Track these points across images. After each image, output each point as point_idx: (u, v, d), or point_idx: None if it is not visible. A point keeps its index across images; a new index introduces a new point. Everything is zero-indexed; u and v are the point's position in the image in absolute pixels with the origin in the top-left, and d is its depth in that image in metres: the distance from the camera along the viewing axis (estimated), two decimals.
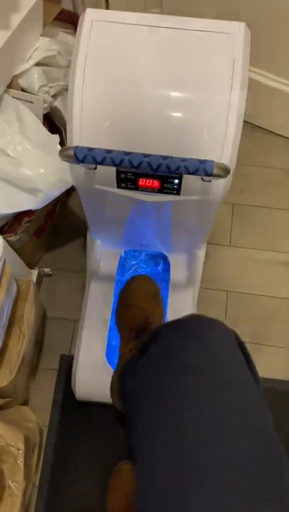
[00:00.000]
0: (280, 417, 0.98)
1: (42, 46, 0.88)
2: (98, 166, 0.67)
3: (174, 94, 0.61)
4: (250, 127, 1.38)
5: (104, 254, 0.98)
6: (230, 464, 0.39)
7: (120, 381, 0.75)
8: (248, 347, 1.11)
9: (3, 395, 0.85)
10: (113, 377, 0.87)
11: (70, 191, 1.27)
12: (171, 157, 0.45)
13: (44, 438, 1.00)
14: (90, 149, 0.48)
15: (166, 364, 0.51)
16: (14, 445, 0.78)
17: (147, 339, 0.58)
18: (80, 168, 0.68)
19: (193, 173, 0.45)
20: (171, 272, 0.98)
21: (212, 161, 0.46)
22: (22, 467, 0.77)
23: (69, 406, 1.03)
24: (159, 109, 0.61)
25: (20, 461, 0.77)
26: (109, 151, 0.47)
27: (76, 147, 0.49)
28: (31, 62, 0.86)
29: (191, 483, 0.39)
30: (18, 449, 0.78)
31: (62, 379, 1.06)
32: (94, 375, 0.90)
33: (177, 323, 0.56)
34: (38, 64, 0.88)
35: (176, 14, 1.16)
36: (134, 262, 1.02)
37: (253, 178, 1.30)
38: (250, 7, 1.04)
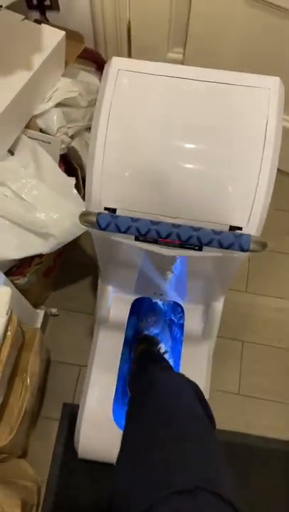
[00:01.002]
0: None
1: (63, 87, 0.86)
2: None
3: (202, 149, 0.57)
4: None
5: (114, 300, 0.93)
6: None
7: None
8: (266, 403, 1.05)
9: (1, 452, 0.79)
10: None
11: None
12: (204, 229, 0.41)
13: (42, 494, 0.93)
14: (114, 217, 0.44)
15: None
16: None
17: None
18: None
19: (227, 248, 0.41)
20: (185, 324, 0.93)
21: (248, 236, 0.41)
22: None
23: (70, 459, 0.96)
24: (184, 166, 0.58)
25: None
26: (134, 220, 0.43)
27: (99, 213, 0.45)
28: (51, 103, 0.84)
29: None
30: None
31: (64, 429, 1.00)
32: (98, 434, 0.84)
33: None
34: (57, 105, 0.85)
35: (199, 56, 1.16)
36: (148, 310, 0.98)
37: (272, 222, 1.25)
38: (275, 55, 1.02)
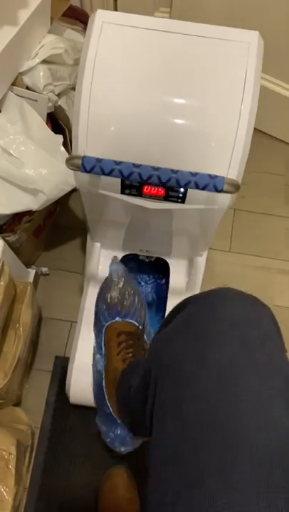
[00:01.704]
0: None
1: (48, 43, 0.86)
2: None
3: (184, 102, 0.60)
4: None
5: (103, 257, 0.97)
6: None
7: (122, 387, 0.72)
8: None
9: None
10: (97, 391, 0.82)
11: (71, 192, 1.26)
12: (182, 172, 0.44)
13: (36, 440, 0.99)
14: (99, 160, 0.47)
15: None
16: (6, 449, 0.77)
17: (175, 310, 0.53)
18: (85, 173, 0.66)
19: (202, 189, 0.44)
20: (170, 278, 0.97)
21: (223, 177, 0.44)
22: (13, 472, 0.76)
23: (62, 408, 1.02)
24: (167, 118, 0.60)
25: (12, 466, 0.76)
26: (118, 163, 0.46)
27: (84, 157, 0.48)
28: (37, 59, 0.85)
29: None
30: (10, 454, 0.77)
31: (56, 381, 1.05)
32: (89, 380, 0.89)
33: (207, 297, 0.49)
34: (43, 62, 0.86)
35: (185, 15, 1.16)
36: (134, 265, 1.02)
37: (255, 183, 1.29)
38: (258, 12, 1.03)
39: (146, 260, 1.03)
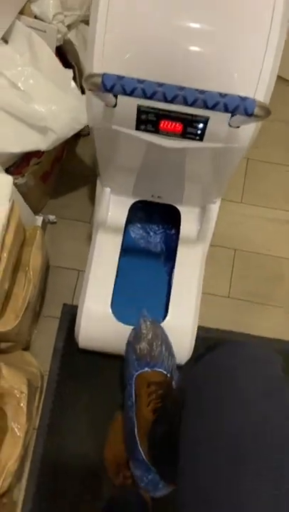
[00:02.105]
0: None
1: None
2: (119, 104, 0.62)
3: (209, 25, 0.55)
4: None
5: (113, 204, 0.94)
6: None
7: (151, 436, 0.72)
8: (253, 307, 1.10)
9: (7, 339, 0.84)
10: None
11: (79, 136, 1.21)
12: (209, 92, 0.41)
13: (45, 384, 1.01)
14: (120, 77, 0.43)
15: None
16: (18, 388, 0.78)
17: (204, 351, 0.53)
18: (99, 105, 0.63)
19: (232, 112, 0.41)
20: (181, 226, 0.95)
21: (253, 100, 0.41)
22: (25, 410, 0.78)
23: (70, 354, 1.03)
24: (190, 40, 0.56)
25: (24, 404, 0.78)
26: (140, 81, 0.42)
27: (104, 74, 0.44)
28: None
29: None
30: (22, 392, 0.78)
31: (64, 327, 1.06)
32: (98, 324, 0.89)
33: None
34: None
35: None
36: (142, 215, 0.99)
37: (269, 132, 1.24)
38: None
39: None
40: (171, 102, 0.42)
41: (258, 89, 0.53)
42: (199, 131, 0.64)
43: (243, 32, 0.54)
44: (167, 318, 0.91)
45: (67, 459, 0.96)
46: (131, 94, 0.44)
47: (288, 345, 1.06)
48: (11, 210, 0.71)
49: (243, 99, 0.41)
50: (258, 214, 1.17)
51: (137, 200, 0.95)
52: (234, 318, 1.08)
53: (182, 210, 0.95)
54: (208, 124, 0.63)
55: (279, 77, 1.28)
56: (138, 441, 0.76)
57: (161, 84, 0.43)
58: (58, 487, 0.94)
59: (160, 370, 0.78)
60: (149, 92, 0.43)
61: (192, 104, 0.42)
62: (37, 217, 1.09)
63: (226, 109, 0.41)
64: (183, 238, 0.95)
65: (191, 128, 0.64)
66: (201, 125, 0.63)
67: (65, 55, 0.92)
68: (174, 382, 0.80)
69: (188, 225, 0.95)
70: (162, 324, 0.91)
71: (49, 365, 1.03)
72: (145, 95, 0.44)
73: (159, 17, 0.55)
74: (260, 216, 1.17)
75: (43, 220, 1.11)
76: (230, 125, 0.61)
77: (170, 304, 0.92)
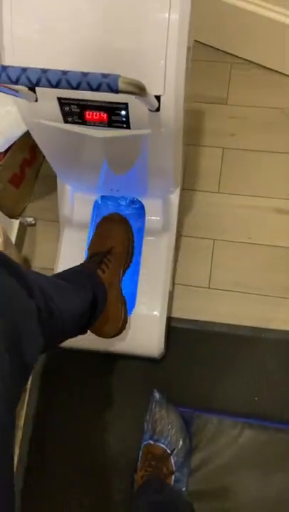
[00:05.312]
0: (270, 366, 0.97)
1: None
2: (39, 98, 0.63)
3: (110, 17, 0.56)
4: (241, 62, 1.27)
5: (77, 201, 0.95)
6: None
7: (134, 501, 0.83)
8: (234, 297, 1.07)
9: None
10: None
11: None
12: (72, 72, 0.41)
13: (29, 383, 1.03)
14: (4, 67, 0.44)
15: None
16: None
17: None
18: (23, 101, 0.64)
19: (97, 89, 0.41)
20: (146, 219, 0.95)
21: (117, 75, 0.41)
22: None
23: (51, 353, 1.05)
24: (93, 32, 0.57)
25: None
26: (24, 69, 0.43)
27: None
28: None
29: None
30: None
31: None
32: None
33: None
34: None
35: None
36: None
37: (245, 119, 1.22)
38: None
39: (124, 204, 1.00)
40: (37, 84, 0.43)
41: (167, 87, 0.55)
42: (124, 119, 0.64)
43: (143, 33, 0.56)
44: (134, 309, 0.91)
45: (54, 456, 0.97)
46: (16, 82, 0.45)
47: (272, 333, 1.03)
48: None
49: (106, 76, 0.41)
50: (236, 203, 1.15)
51: (100, 196, 0.96)
52: (215, 309, 1.06)
53: (145, 202, 0.94)
54: (130, 111, 0.63)
55: (250, 62, 1.26)
56: None
57: (45, 71, 0.44)
58: (45, 485, 0.96)
59: (161, 445, 0.88)
60: (34, 78, 0.44)
61: (57, 85, 0.42)
62: (13, 220, 1.12)
63: (91, 87, 0.41)
64: (147, 229, 0.95)
65: (115, 116, 0.64)
66: (123, 112, 0.63)
67: None
68: (172, 460, 0.88)
69: (152, 216, 0.94)
70: (130, 315, 0.91)
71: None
72: (31, 82, 0.44)
73: (61, 9, 0.56)
74: (238, 204, 1.15)
75: (21, 223, 1.14)
76: (150, 110, 0.61)
77: (137, 295, 0.92)
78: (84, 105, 0.63)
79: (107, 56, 0.59)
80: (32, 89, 0.61)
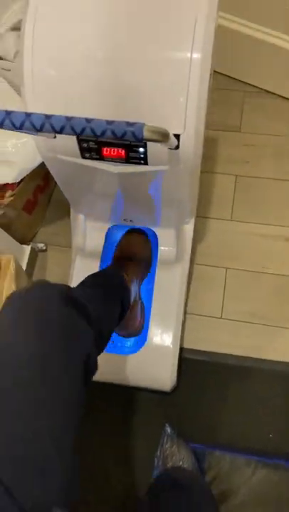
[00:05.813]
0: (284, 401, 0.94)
1: (18, 9, 0.84)
2: (58, 135, 0.63)
3: (129, 54, 0.56)
4: (254, 90, 1.28)
5: (90, 229, 0.95)
6: None
7: None
8: (249, 327, 1.06)
9: None
10: None
11: None
12: (97, 120, 0.41)
13: None
14: (28, 115, 0.44)
15: None
16: None
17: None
18: (40, 138, 0.64)
19: (121, 137, 0.41)
20: (159, 249, 0.94)
21: (142, 124, 0.41)
22: None
23: None
24: (113, 74, 0.57)
25: None
26: (48, 117, 0.43)
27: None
28: (6, 26, 0.82)
29: None
30: None
31: None
32: None
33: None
34: (13, 29, 0.83)
35: None
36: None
37: (259, 147, 1.22)
38: None
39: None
40: (60, 132, 0.42)
41: (187, 126, 0.54)
42: (142, 155, 0.64)
43: (164, 71, 0.56)
44: (146, 341, 0.89)
45: None
46: (40, 130, 0.44)
47: (287, 366, 1.00)
48: None
49: (131, 124, 0.40)
50: (249, 231, 1.14)
51: (112, 225, 0.95)
52: (227, 340, 1.04)
53: (158, 232, 0.93)
54: (148, 148, 0.62)
55: (264, 91, 1.26)
56: None
57: (70, 118, 0.44)
58: None
59: None
60: (58, 126, 0.43)
61: (81, 133, 0.42)
62: (25, 246, 1.12)
63: (115, 135, 0.41)
64: (160, 259, 0.94)
65: (133, 153, 0.64)
66: (141, 149, 0.63)
67: None
68: None
69: (165, 246, 0.93)
70: (142, 348, 0.89)
71: None
72: (54, 130, 0.44)
73: (79, 52, 0.56)
74: (252, 233, 1.14)
75: (32, 249, 1.13)
76: (169, 148, 0.61)
77: (149, 327, 0.90)
78: (102, 142, 0.63)
79: (125, 93, 0.58)
80: None
